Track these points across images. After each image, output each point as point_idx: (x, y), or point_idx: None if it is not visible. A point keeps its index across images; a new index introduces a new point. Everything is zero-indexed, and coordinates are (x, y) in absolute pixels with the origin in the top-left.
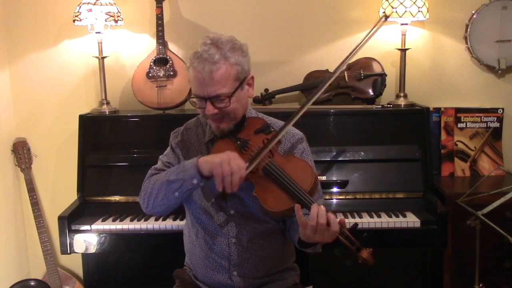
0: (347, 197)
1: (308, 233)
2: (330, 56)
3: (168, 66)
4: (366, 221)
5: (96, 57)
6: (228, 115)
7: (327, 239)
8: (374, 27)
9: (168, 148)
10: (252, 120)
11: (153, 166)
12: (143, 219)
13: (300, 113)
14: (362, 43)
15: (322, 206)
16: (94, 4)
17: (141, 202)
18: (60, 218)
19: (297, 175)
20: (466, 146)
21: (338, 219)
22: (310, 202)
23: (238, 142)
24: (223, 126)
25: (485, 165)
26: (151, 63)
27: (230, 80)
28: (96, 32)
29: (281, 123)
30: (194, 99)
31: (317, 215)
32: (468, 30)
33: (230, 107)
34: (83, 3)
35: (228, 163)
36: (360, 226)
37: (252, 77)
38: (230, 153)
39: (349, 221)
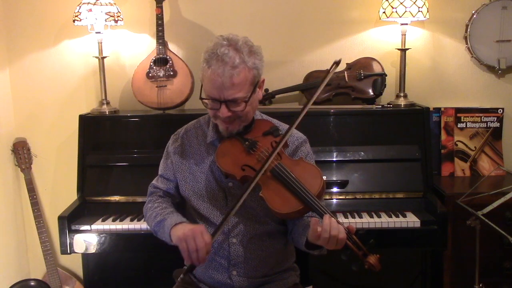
0: (347, 197)
1: (320, 243)
2: (330, 56)
3: (168, 66)
4: (366, 221)
5: (96, 57)
6: (240, 118)
7: (336, 247)
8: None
9: (163, 155)
10: (260, 122)
11: (152, 182)
12: (143, 219)
13: (301, 117)
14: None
15: (332, 218)
16: (94, 4)
17: None
18: (60, 218)
19: (305, 178)
20: (466, 146)
21: (346, 225)
22: (318, 207)
23: (246, 143)
24: (232, 128)
25: (485, 165)
26: (151, 63)
27: (247, 85)
28: (96, 32)
29: (284, 125)
30: (207, 101)
31: (330, 227)
32: (468, 30)
33: (244, 111)
34: (83, 3)
35: (193, 240)
36: (360, 226)
37: (263, 80)
38: (197, 228)
39: (349, 221)
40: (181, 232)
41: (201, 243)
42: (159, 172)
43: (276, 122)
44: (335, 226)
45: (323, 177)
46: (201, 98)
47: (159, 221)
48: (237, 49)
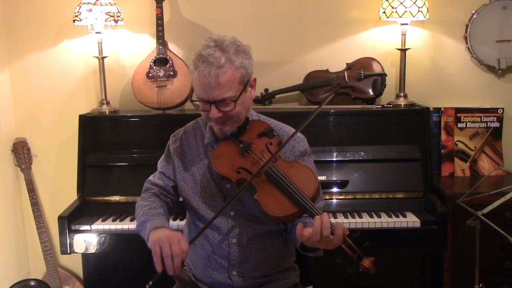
0: (347, 197)
1: (311, 245)
2: (330, 56)
3: (168, 66)
4: (366, 221)
5: (96, 57)
6: (231, 118)
7: (330, 247)
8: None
9: (165, 153)
10: (255, 123)
11: (149, 178)
12: None
13: (299, 130)
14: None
15: (325, 216)
16: (94, 4)
17: None
18: (60, 218)
19: (300, 181)
20: (466, 146)
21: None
22: (313, 210)
23: (241, 145)
24: (226, 129)
25: (485, 165)
26: (151, 63)
27: (235, 84)
28: (96, 32)
29: (281, 125)
30: (198, 102)
31: (320, 228)
32: (468, 30)
33: (235, 111)
34: (83, 3)
35: (168, 245)
36: (360, 226)
37: (255, 79)
38: (174, 235)
39: (349, 221)
40: (156, 236)
41: (177, 250)
42: (159, 169)
43: (273, 122)
44: (326, 226)
45: (318, 178)
46: (191, 101)
47: (143, 221)
48: (223, 49)
